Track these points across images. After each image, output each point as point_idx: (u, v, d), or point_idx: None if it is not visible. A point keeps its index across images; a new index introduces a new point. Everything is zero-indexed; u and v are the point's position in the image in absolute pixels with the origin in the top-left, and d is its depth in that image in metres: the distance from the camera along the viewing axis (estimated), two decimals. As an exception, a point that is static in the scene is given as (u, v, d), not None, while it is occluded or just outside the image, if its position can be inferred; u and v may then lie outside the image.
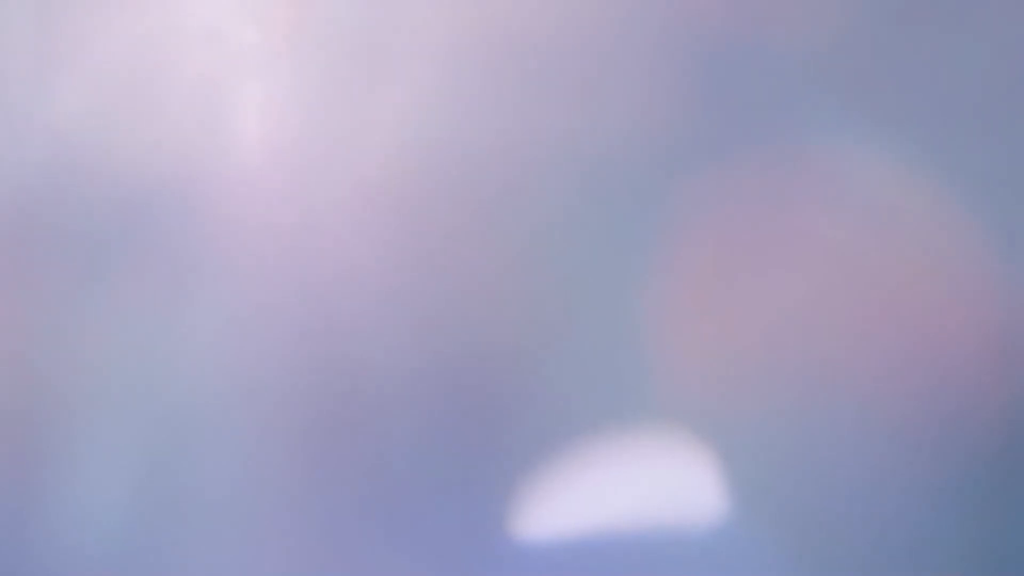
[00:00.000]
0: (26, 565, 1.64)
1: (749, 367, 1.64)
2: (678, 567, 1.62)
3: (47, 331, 1.66)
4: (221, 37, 1.68)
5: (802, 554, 1.62)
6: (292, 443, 1.65)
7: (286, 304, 1.66)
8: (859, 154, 1.65)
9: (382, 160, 1.66)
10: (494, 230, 1.65)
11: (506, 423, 1.64)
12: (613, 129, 1.65)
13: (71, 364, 1.66)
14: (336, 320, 1.65)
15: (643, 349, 1.64)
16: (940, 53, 1.66)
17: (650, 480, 1.63)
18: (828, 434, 1.63)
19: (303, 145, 1.67)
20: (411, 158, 1.66)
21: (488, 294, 1.65)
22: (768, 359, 1.64)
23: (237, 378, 1.65)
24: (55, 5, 1.69)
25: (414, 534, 1.64)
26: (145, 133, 1.67)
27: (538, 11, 1.66)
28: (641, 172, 1.65)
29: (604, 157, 1.66)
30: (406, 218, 1.66)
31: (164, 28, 1.67)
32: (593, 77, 1.65)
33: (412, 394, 1.65)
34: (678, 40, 1.66)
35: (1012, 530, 1.62)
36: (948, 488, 1.62)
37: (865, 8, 1.66)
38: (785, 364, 1.64)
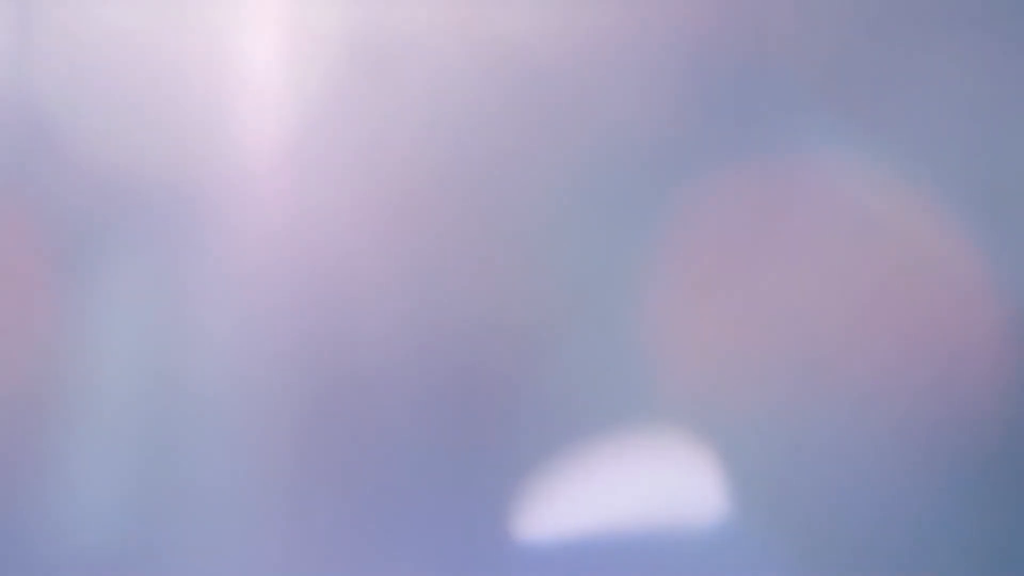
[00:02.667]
0: (23, 558, 1.63)
1: (749, 369, 1.64)
2: (678, 565, 1.62)
3: (44, 326, 1.66)
4: (225, 39, 1.68)
5: (803, 554, 1.61)
6: (292, 440, 1.64)
7: (287, 303, 1.65)
8: (853, 160, 1.67)
9: (387, 161, 1.66)
10: (495, 234, 1.65)
11: (507, 424, 1.64)
12: (615, 134, 1.66)
13: (68, 358, 1.65)
14: (338, 322, 1.65)
15: (643, 350, 1.64)
16: (932, 64, 1.67)
17: (649, 479, 1.63)
18: (829, 435, 1.63)
19: (306, 143, 1.67)
20: (416, 159, 1.66)
21: (489, 298, 1.65)
22: (768, 361, 1.64)
23: (238, 376, 1.65)
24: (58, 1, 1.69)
25: (414, 532, 1.63)
26: (145, 130, 1.67)
27: (542, 19, 1.67)
28: (643, 177, 1.66)
29: (607, 161, 1.66)
30: (409, 219, 1.66)
31: (168, 27, 1.67)
32: (595, 85, 1.66)
33: (412, 393, 1.64)
34: (679, 50, 1.67)
35: (1012, 530, 1.62)
36: (947, 488, 1.62)
37: (860, 21, 1.67)
38: (785, 366, 1.64)
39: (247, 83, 1.68)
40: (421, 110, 1.66)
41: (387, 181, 1.66)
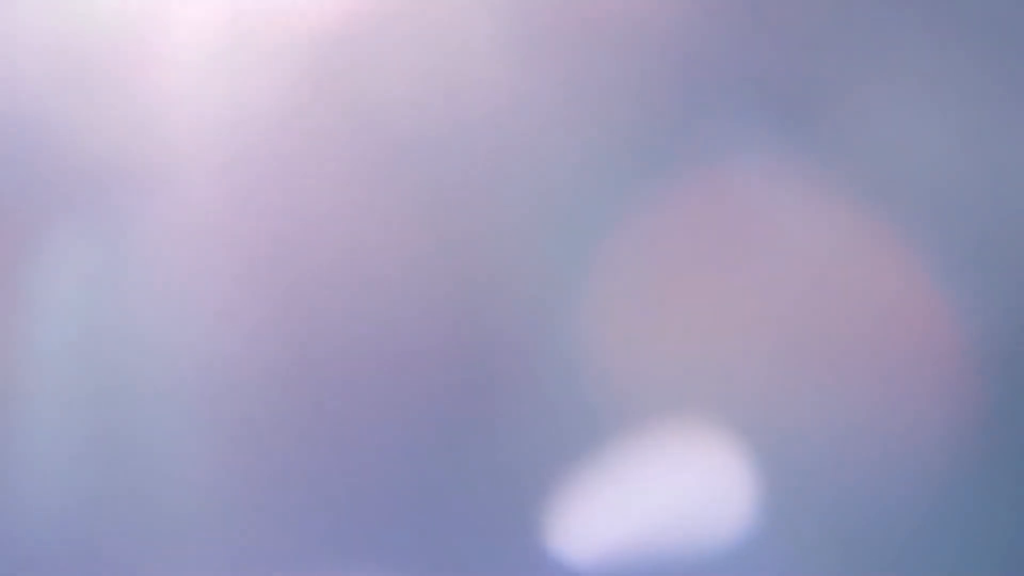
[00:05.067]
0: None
1: (736, 366, 1.64)
2: (671, 563, 1.62)
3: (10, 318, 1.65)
4: (203, 20, 1.66)
5: (799, 554, 1.62)
6: (280, 438, 1.64)
7: (273, 299, 1.65)
8: (811, 165, 1.67)
9: (370, 153, 1.65)
10: (479, 229, 1.64)
11: (498, 421, 1.64)
12: (590, 134, 1.66)
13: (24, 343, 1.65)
14: (324, 316, 1.64)
15: (626, 346, 1.64)
16: (893, 68, 1.67)
17: (643, 475, 1.63)
18: (817, 434, 1.64)
19: (283, 131, 1.65)
20: (400, 152, 1.65)
21: (476, 293, 1.64)
22: (753, 359, 1.64)
23: (223, 372, 1.64)
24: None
25: (403, 531, 1.63)
26: (119, 120, 1.66)
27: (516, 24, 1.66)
28: (618, 176, 1.66)
29: (583, 162, 1.66)
30: (394, 212, 1.65)
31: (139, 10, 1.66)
32: (573, 81, 1.66)
33: (400, 391, 1.64)
34: (651, 46, 1.66)
35: (1005, 530, 1.62)
36: (934, 491, 1.63)
37: (815, 25, 1.67)
38: (769, 361, 1.65)
39: (222, 67, 1.66)
40: (403, 102, 1.65)
41: (370, 173, 1.65)
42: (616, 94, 1.65)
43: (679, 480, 1.62)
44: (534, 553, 1.62)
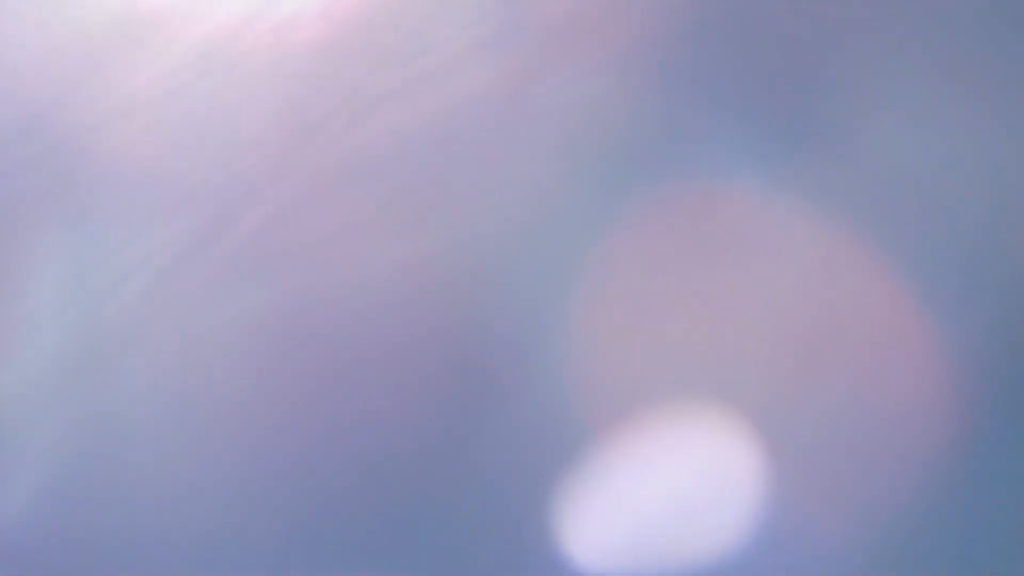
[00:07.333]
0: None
1: (736, 370, 1.64)
2: (660, 563, 1.62)
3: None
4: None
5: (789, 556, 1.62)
6: (274, 436, 1.64)
7: (267, 297, 1.65)
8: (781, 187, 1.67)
9: (361, 153, 1.66)
10: (476, 232, 1.65)
11: (488, 421, 1.64)
12: (584, 137, 1.67)
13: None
14: (317, 315, 1.65)
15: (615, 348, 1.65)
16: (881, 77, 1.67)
17: (627, 479, 1.63)
18: (821, 433, 1.64)
19: (284, 139, 1.66)
20: (397, 157, 1.66)
21: (476, 302, 1.65)
22: (759, 363, 1.65)
23: (219, 371, 1.65)
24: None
25: (402, 533, 1.63)
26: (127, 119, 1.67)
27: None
28: (610, 180, 1.66)
29: (577, 165, 1.67)
30: (389, 214, 1.66)
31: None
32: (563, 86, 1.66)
33: (390, 390, 1.65)
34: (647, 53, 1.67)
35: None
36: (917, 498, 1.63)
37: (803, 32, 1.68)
38: (756, 367, 1.65)
39: (214, 70, 1.67)
40: (398, 104, 1.66)
41: (367, 173, 1.66)
42: (612, 95, 1.66)
43: (672, 480, 1.63)
44: (532, 552, 1.62)
